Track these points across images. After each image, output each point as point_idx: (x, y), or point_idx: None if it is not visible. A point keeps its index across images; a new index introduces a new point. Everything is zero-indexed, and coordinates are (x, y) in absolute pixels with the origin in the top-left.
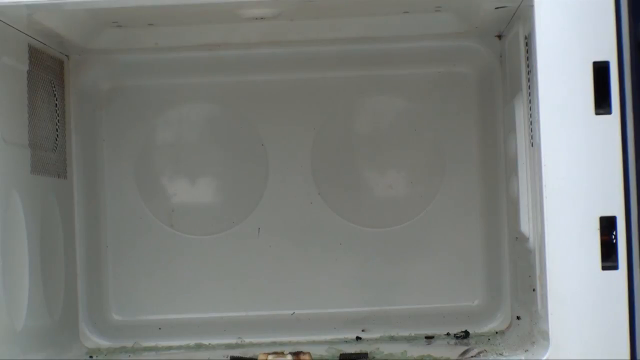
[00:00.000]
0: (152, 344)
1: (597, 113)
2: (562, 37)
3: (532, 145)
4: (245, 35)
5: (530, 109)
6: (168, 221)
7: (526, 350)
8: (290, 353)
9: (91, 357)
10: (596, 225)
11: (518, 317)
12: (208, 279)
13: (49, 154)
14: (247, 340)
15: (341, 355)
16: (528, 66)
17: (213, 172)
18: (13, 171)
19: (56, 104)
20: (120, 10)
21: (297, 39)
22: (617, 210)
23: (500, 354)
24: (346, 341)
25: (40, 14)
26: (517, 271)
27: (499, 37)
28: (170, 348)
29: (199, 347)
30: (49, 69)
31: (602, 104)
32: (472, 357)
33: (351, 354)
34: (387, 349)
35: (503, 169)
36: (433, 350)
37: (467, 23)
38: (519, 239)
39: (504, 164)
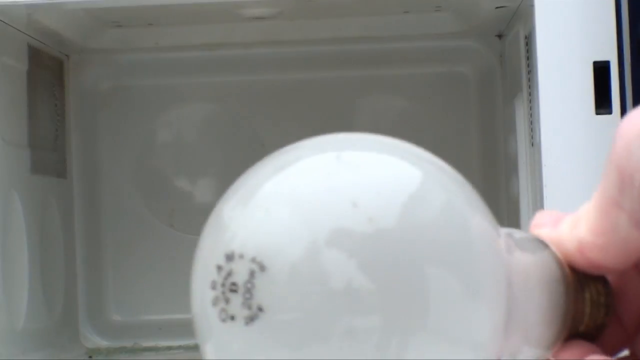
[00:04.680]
0: (152, 344)
1: (597, 113)
2: (563, 36)
3: (532, 145)
4: (245, 35)
5: (530, 109)
6: (168, 221)
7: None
8: None
9: (91, 357)
10: None
11: None
12: None
13: (49, 154)
14: None
15: None
16: (528, 66)
17: (213, 172)
18: (12, 171)
19: (56, 104)
20: (120, 10)
21: (297, 39)
22: None
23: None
24: None
25: (40, 13)
26: None
27: (499, 37)
28: (170, 348)
29: (199, 347)
30: (49, 68)
31: (602, 103)
32: None
33: None
34: None
35: (503, 169)
36: None
37: (467, 23)
38: None
39: (504, 164)
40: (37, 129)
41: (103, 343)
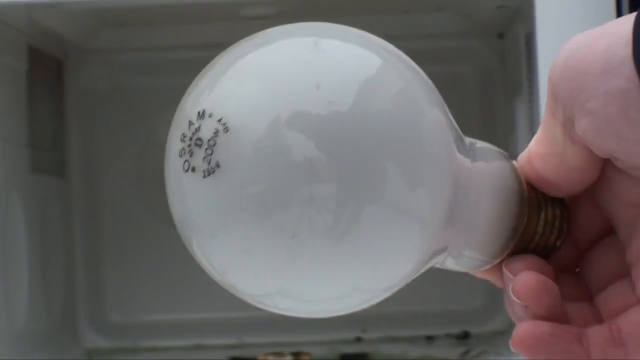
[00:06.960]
0: (152, 344)
1: None
2: (563, 36)
3: None
4: (246, 34)
5: (530, 109)
6: (168, 221)
7: None
8: (290, 353)
9: (91, 357)
10: None
11: None
12: (208, 278)
13: (49, 154)
14: (247, 340)
15: (341, 355)
16: (529, 65)
17: None
18: (12, 171)
19: (56, 104)
20: (120, 10)
21: None
22: None
23: (500, 354)
24: (346, 341)
25: (40, 13)
26: None
27: (500, 36)
28: (170, 348)
29: (198, 347)
30: (49, 68)
31: None
32: (472, 357)
33: (351, 354)
34: (387, 349)
35: None
36: (433, 350)
37: (467, 22)
38: None
39: None
40: (36, 129)
41: (103, 343)
